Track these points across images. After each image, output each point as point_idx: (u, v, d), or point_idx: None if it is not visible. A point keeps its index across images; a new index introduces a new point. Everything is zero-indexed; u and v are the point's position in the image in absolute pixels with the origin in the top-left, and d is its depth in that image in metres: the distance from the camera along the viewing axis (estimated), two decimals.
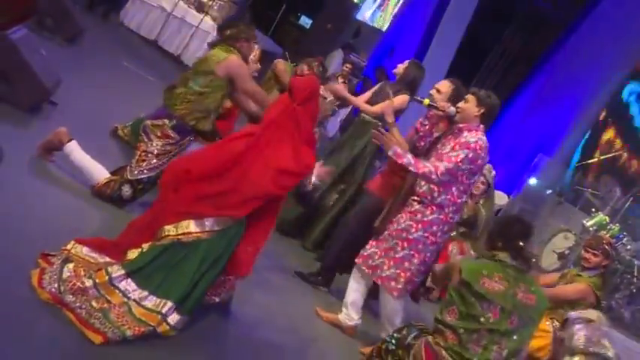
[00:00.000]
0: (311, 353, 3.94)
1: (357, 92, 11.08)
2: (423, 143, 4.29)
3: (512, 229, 3.13)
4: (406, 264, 4.00)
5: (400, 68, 5.34)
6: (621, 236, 8.30)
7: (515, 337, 2.91)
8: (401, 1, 15.72)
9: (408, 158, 3.91)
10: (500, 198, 9.42)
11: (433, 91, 4.67)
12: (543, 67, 13.87)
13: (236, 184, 3.18)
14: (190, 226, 3.13)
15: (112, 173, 4.14)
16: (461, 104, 4.07)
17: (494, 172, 6.60)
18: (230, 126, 5.21)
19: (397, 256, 4.02)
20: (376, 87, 5.76)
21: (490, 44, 15.08)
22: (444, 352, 2.90)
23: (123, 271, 3.04)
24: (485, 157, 3.98)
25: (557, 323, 4.93)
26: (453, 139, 4.00)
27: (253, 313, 3.84)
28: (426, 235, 3.97)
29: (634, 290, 7.91)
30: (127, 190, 4.08)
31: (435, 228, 3.97)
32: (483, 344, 2.86)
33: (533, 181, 11.38)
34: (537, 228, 10.25)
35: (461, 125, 4.03)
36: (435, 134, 4.27)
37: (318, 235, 5.51)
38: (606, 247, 5.10)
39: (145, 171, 4.09)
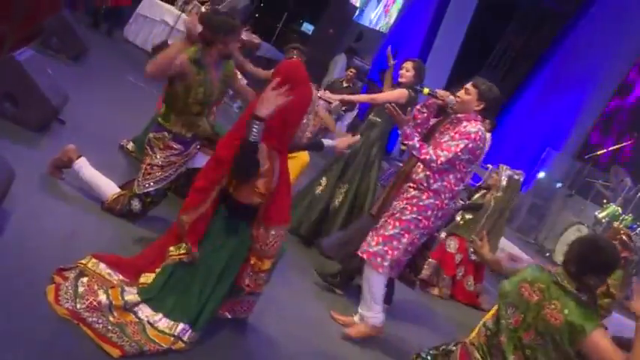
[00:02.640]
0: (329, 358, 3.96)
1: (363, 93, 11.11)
2: (420, 130, 4.29)
3: (588, 258, 2.85)
4: (395, 242, 4.03)
5: (407, 76, 5.22)
6: (635, 226, 8.27)
7: (528, 352, 2.77)
8: (402, 3, 15.74)
9: (415, 142, 3.99)
10: None
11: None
12: (547, 62, 13.84)
13: None
14: (183, 247, 3.17)
15: (121, 187, 4.17)
16: (461, 95, 4.08)
17: (523, 179, 6.66)
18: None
19: (386, 233, 4.05)
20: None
21: (493, 41, 15.07)
22: (476, 352, 2.89)
23: (138, 298, 3.08)
24: (483, 148, 4.05)
25: None
26: (452, 128, 4.04)
27: (269, 321, 3.84)
28: (419, 217, 4.02)
29: None
30: (136, 204, 4.10)
31: (429, 212, 4.01)
32: (502, 350, 2.83)
33: (543, 175, 11.35)
34: (550, 222, 10.27)
35: (460, 115, 4.06)
36: (432, 122, 4.28)
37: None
38: (624, 237, 5.11)
39: (152, 184, 4.11)
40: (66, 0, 8.93)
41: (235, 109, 9.79)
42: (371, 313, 4.19)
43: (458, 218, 6.62)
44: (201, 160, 4.18)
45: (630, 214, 8.52)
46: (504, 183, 6.42)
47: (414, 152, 3.99)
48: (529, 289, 2.85)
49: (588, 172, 10.44)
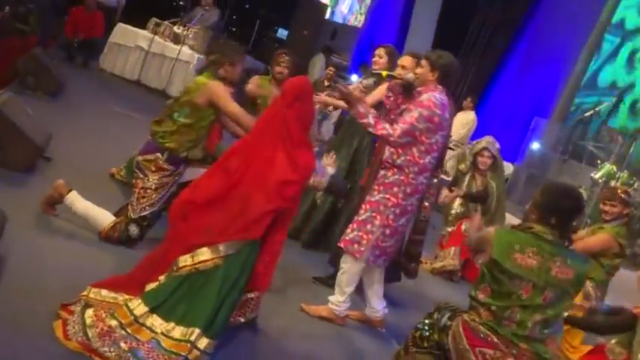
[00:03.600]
0: (344, 355, 3.96)
1: None
2: (392, 116, 4.28)
3: (563, 205, 2.95)
4: (368, 226, 4.00)
5: (381, 63, 5.10)
6: (631, 182, 8.28)
7: (549, 312, 2.86)
8: None
9: (369, 118, 3.93)
10: (505, 167, 9.37)
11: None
12: (525, 31, 13.85)
13: (241, 205, 3.19)
14: (205, 254, 3.15)
15: (116, 214, 4.17)
16: (417, 70, 4.12)
17: (498, 145, 6.57)
18: (215, 140, 5.19)
19: (359, 219, 4.05)
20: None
21: (469, 17, 15.03)
22: (481, 327, 2.89)
23: (146, 308, 3.06)
24: (441, 114, 3.94)
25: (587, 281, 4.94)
26: (413, 102, 4.04)
27: (280, 324, 3.86)
28: (386, 196, 3.99)
29: None
30: (134, 230, 4.11)
31: (395, 189, 3.98)
32: (517, 320, 2.84)
33: (534, 145, 11.37)
34: None
35: (420, 89, 4.06)
36: (403, 106, 4.25)
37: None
38: (622, 195, 5.13)
39: (147, 207, 4.13)
40: (37, 39, 8.95)
41: None
42: (334, 299, 4.17)
43: (455, 205, 6.58)
44: (190, 174, 4.20)
45: (625, 171, 8.53)
46: (497, 154, 6.43)
47: (370, 129, 3.93)
48: (522, 256, 2.87)
49: (579, 136, 10.45)
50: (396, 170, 3.99)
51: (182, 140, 4.20)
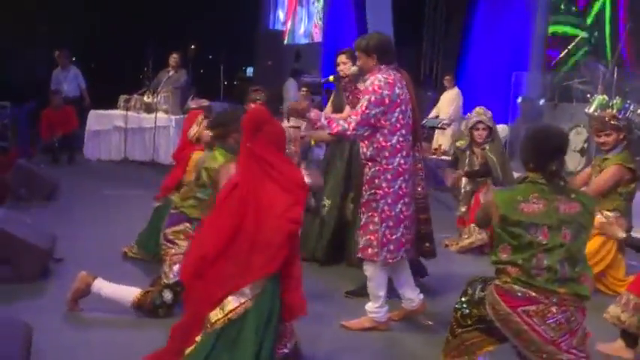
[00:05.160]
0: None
1: (324, 106, 11.16)
2: None
3: (529, 148, 3.02)
4: (371, 227, 4.01)
5: (348, 67, 4.93)
6: (627, 105, 8.23)
7: (572, 249, 2.87)
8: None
9: (322, 121, 3.95)
10: (501, 130, 9.33)
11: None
12: None
13: (252, 244, 3.17)
14: (233, 301, 3.15)
15: (151, 286, 4.23)
16: (357, 62, 4.17)
17: (490, 113, 6.52)
18: None
19: (362, 223, 4.09)
20: (332, 97, 5.85)
21: None
22: (515, 287, 2.88)
23: None
24: (390, 93, 3.89)
25: (607, 212, 4.90)
26: (362, 92, 4.09)
27: (326, 348, 3.86)
28: (372, 191, 4.00)
29: None
30: (168, 295, 4.14)
31: (377, 181, 3.97)
32: (546, 266, 2.84)
33: (521, 99, 11.33)
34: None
35: (366, 77, 4.13)
36: None
37: (355, 248, 5.48)
38: (612, 122, 5.08)
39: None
40: (19, 151, 9.12)
41: None
42: (371, 307, 4.16)
43: (463, 184, 6.53)
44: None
45: (617, 97, 8.48)
46: (491, 123, 6.39)
47: (327, 130, 3.98)
48: (527, 204, 2.89)
49: (562, 78, 10.42)
50: (370, 164, 4.01)
51: (199, 205, 4.25)
